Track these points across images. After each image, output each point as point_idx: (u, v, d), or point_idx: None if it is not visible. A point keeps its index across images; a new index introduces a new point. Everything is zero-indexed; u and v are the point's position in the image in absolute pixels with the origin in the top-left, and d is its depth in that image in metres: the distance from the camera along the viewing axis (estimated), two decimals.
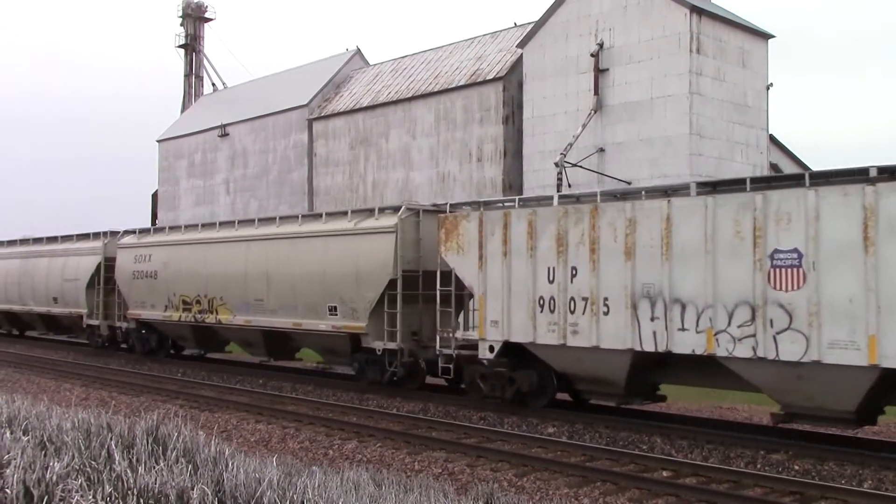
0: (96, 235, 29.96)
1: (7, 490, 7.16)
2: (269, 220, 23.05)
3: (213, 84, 64.19)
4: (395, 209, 19.24)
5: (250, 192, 48.58)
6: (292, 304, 20.74)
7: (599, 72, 31.23)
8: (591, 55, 31.32)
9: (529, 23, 36.13)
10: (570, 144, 30.61)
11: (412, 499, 7.69)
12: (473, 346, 16.50)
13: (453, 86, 37.01)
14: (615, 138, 31.02)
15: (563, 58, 32.55)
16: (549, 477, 11.49)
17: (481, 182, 35.50)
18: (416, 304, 18.55)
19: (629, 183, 28.76)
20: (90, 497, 6.97)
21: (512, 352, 15.91)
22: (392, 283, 18.35)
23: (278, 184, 46.63)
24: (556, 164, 30.49)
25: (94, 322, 28.88)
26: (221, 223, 25.10)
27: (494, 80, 35.31)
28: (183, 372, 23.79)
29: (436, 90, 37.83)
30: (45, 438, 9.56)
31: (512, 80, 34.99)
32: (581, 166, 30.62)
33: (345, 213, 20.68)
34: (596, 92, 31.22)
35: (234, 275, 22.56)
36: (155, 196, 58.03)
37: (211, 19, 66.54)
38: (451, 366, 17.30)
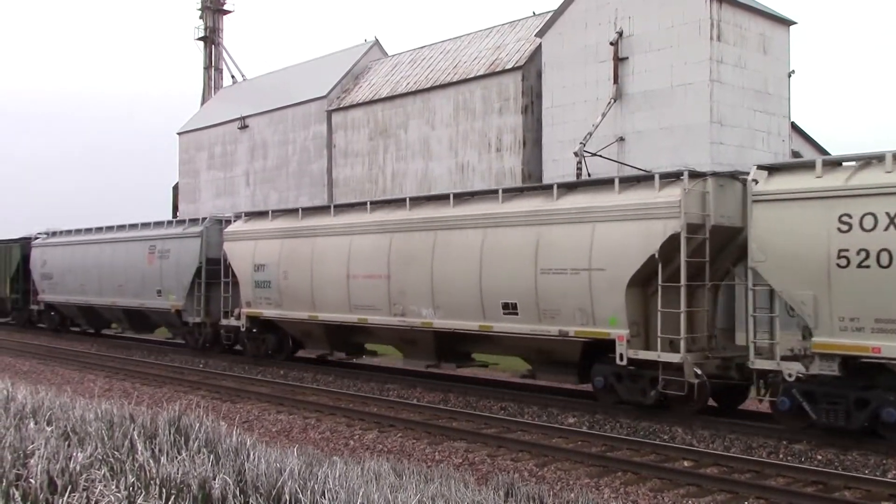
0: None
1: (31, 480, 7.24)
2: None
3: (233, 76, 64.37)
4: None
5: (270, 184, 48.72)
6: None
7: (619, 60, 31.02)
8: (611, 44, 31.11)
9: (548, 12, 35.93)
10: (590, 134, 30.45)
11: (433, 489, 7.69)
12: None
13: (472, 76, 36.89)
14: (635, 127, 30.83)
15: (582, 46, 32.36)
16: (570, 467, 11.48)
17: (500, 172, 35.41)
18: None
19: (648, 172, 28.56)
20: (113, 487, 7.03)
21: None
22: None
23: (298, 175, 46.72)
24: (576, 154, 30.35)
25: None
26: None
27: (513, 69, 35.16)
28: (204, 363, 23.94)
29: (455, 80, 37.72)
30: (69, 429, 9.65)
31: (531, 70, 34.83)
32: (601, 155, 30.45)
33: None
34: (615, 81, 31.02)
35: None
36: (176, 188, 58.35)
37: (230, 11, 66.65)
38: None
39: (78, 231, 32.35)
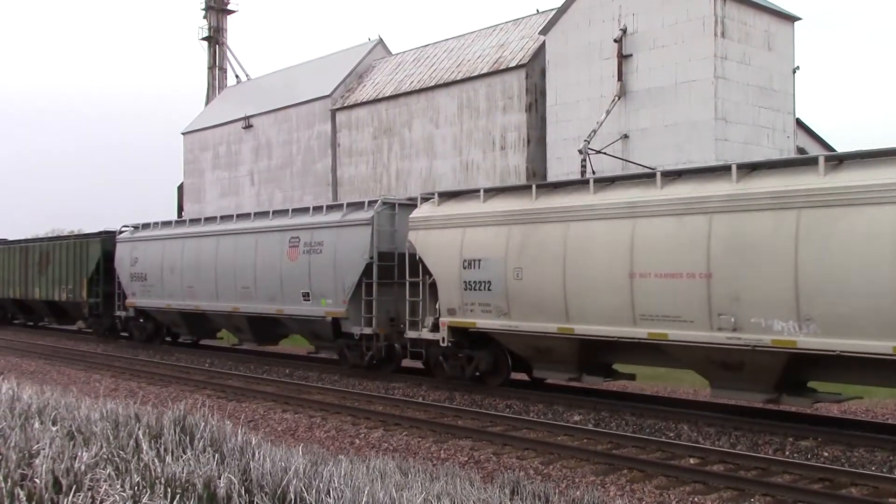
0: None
1: (36, 479, 7.23)
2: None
3: (237, 76, 64.44)
4: None
5: (275, 183, 48.76)
6: None
7: (623, 58, 30.97)
8: (615, 41, 31.07)
9: (552, 9, 35.89)
10: (594, 131, 30.41)
11: (438, 487, 7.68)
12: None
13: (476, 74, 36.87)
14: (639, 124, 30.78)
15: (586, 44, 32.32)
16: (576, 465, 11.46)
17: (505, 170, 35.38)
18: None
19: (653, 169, 28.54)
20: (118, 486, 7.02)
21: None
22: None
23: (302, 174, 46.76)
24: (580, 152, 30.31)
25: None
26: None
27: (517, 67, 35.13)
28: (210, 363, 23.96)
29: (458, 78, 37.71)
30: (74, 429, 9.64)
31: (535, 68, 34.80)
32: (605, 153, 30.42)
33: None
34: (620, 78, 30.98)
35: None
36: (181, 188, 58.44)
37: (234, 11, 66.72)
38: None
39: (181, 222, 27.60)
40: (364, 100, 42.85)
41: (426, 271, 18.01)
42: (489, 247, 16.58)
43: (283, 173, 48.21)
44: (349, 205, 20.75)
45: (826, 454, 11.74)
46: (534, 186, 16.52)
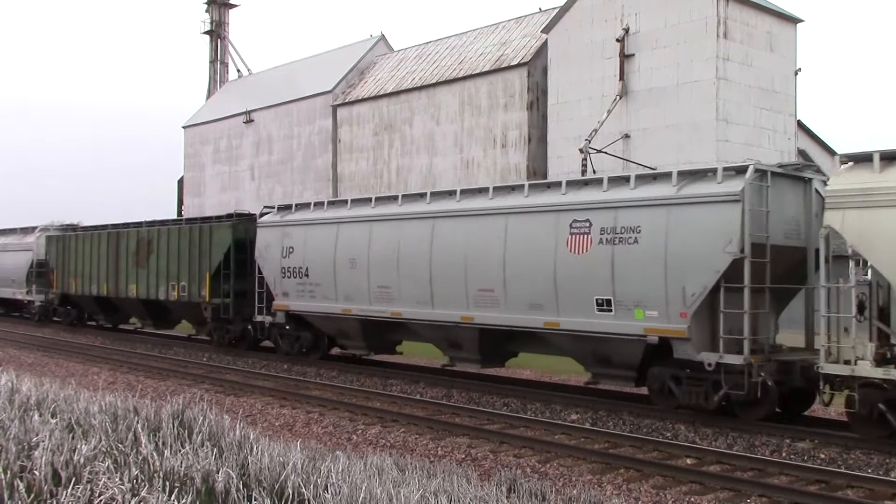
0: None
1: (36, 471, 7.25)
2: None
3: (238, 70, 64.45)
4: None
5: (275, 178, 48.77)
6: None
7: (625, 57, 30.99)
8: (617, 40, 31.08)
9: (554, 8, 35.90)
10: (595, 130, 30.43)
11: (435, 484, 7.70)
12: None
13: (478, 71, 36.88)
14: (640, 124, 30.80)
15: (588, 43, 32.32)
16: (573, 463, 11.47)
17: (505, 168, 35.40)
18: None
19: (654, 169, 28.57)
20: (117, 479, 7.05)
21: None
22: None
23: (303, 170, 46.76)
24: (581, 151, 30.33)
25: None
26: None
27: (519, 65, 35.14)
28: (208, 357, 23.94)
29: (460, 76, 37.71)
30: (73, 421, 9.67)
31: (536, 66, 34.81)
32: (606, 152, 30.44)
33: None
34: (621, 77, 30.99)
35: None
36: (181, 182, 58.43)
37: (236, 6, 66.78)
38: None
39: (361, 200, 20.40)
40: (365, 96, 42.84)
41: (872, 272, 12.33)
42: None
43: (283, 168, 48.21)
44: (685, 174, 14.36)
45: (823, 456, 11.75)
46: None
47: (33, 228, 35.76)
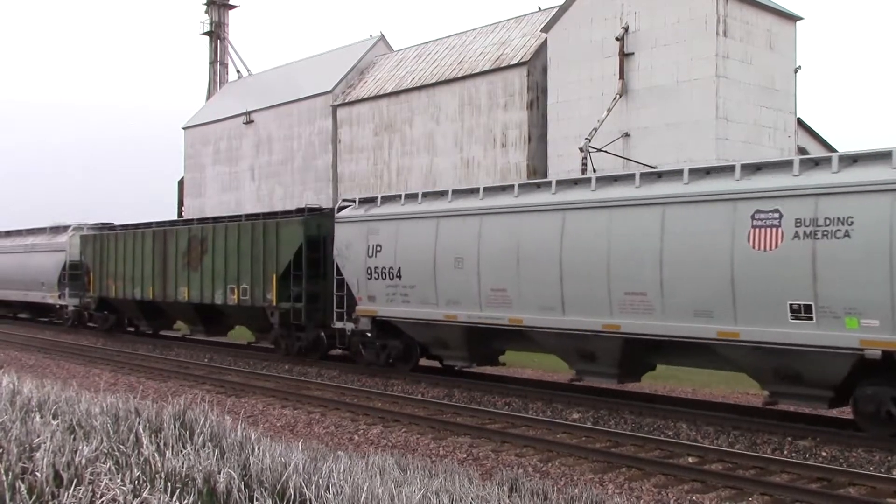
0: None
1: (37, 473, 7.25)
2: None
3: (238, 71, 64.43)
4: None
5: (275, 179, 48.77)
6: None
7: (625, 56, 30.98)
8: (617, 39, 31.08)
9: (554, 7, 35.90)
10: (595, 129, 30.42)
11: (437, 483, 7.70)
12: None
13: (477, 71, 36.89)
14: (641, 123, 30.79)
15: (587, 42, 32.32)
16: (574, 462, 11.47)
17: (506, 168, 35.40)
18: None
19: (654, 167, 28.60)
20: (118, 480, 7.04)
21: None
22: None
23: (303, 170, 46.77)
24: (581, 150, 30.32)
25: None
26: None
27: (519, 64, 35.14)
28: (210, 357, 23.96)
29: (460, 76, 37.71)
30: (75, 423, 9.67)
31: (536, 65, 34.81)
32: (606, 151, 30.43)
33: None
34: (621, 76, 30.99)
35: None
36: (181, 183, 58.44)
37: (235, 6, 66.71)
38: None
39: (466, 191, 17.76)
40: (365, 96, 42.84)
41: None
42: None
43: (283, 169, 48.22)
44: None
45: (824, 454, 11.75)
46: None
47: (65, 228, 33.03)
